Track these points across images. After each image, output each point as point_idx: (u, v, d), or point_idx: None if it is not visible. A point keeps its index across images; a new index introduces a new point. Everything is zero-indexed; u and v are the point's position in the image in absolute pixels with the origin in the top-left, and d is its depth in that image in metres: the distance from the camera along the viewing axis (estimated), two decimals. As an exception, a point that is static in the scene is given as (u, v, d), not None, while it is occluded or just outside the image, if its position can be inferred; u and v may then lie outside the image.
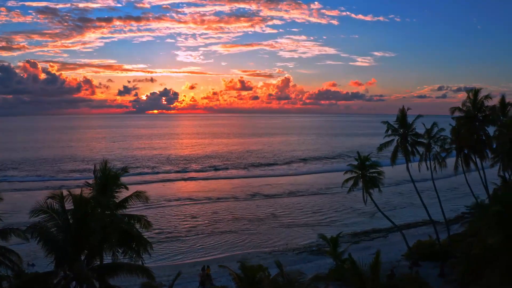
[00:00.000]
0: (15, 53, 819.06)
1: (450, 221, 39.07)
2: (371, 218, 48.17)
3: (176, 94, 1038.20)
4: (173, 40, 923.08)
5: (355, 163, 32.19)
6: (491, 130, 36.35)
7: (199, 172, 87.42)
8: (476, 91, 33.65)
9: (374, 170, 31.42)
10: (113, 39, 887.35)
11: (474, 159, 35.48)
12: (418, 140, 32.74)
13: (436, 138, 32.89)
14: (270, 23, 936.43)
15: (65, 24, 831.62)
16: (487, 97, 33.73)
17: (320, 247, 37.27)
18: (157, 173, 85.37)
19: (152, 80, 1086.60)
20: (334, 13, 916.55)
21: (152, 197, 60.32)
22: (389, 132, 32.98)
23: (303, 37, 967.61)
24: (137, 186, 67.87)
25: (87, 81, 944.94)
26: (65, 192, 18.12)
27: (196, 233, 43.81)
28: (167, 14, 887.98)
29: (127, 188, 22.34)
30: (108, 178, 21.15)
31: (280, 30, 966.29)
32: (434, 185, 34.82)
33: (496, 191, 28.53)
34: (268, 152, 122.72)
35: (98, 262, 19.13)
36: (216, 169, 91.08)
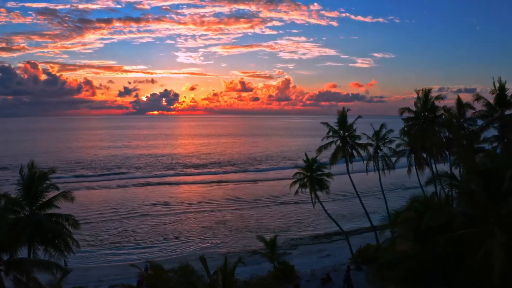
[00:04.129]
0: (15, 54, 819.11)
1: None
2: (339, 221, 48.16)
3: (176, 95, 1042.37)
4: (173, 41, 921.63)
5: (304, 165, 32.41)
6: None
7: (182, 176, 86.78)
8: (426, 91, 33.53)
9: (321, 172, 31.63)
10: (113, 40, 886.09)
11: (428, 161, 35.34)
12: (360, 142, 32.76)
13: (384, 140, 33.01)
14: (269, 24, 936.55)
15: (65, 25, 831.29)
16: (438, 97, 33.65)
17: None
18: (145, 177, 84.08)
19: (152, 81, 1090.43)
20: (334, 14, 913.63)
21: (126, 199, 61.15)
22: (330, 133, 33.03)
23: (303, 38, 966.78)
24: (116, 190, 68.60)
25: (88, 82, 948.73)
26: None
27: (159, 233, 44.19)
28: (167, 15, 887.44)
29: (57, 188, 22.96)
30: (34, 178, 21.69)
31: (280, 31, 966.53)
32: (382, 187, 34.98)
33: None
34: (260, 154, 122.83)
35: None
36: (201, 172, 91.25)
